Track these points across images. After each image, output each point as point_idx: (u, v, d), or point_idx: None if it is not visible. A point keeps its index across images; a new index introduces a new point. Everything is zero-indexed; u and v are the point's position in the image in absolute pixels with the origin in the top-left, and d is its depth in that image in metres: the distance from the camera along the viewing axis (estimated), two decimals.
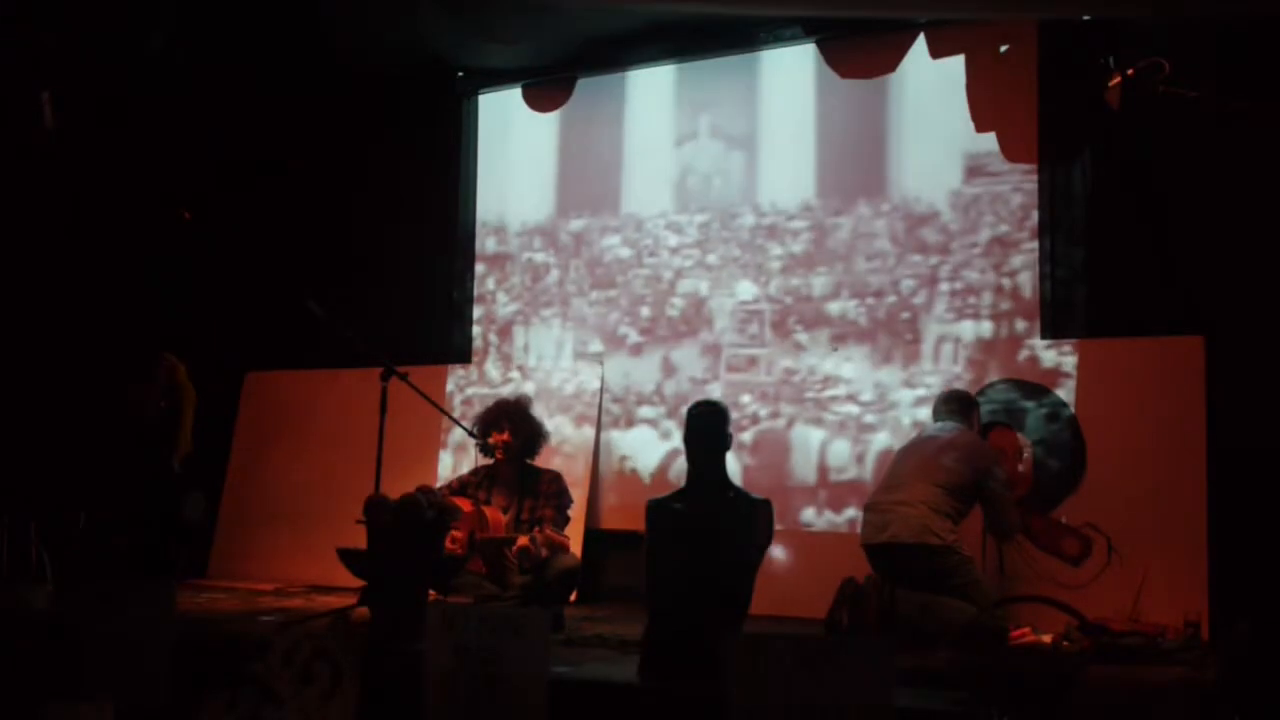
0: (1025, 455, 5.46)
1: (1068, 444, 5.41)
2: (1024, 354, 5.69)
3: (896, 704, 2.86)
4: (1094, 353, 5.55)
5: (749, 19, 6.40)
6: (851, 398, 6.05)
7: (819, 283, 6.26)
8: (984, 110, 5.91)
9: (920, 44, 6.09)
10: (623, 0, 6.22)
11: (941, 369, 5.84)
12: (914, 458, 4.89)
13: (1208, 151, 5.17)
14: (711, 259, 6.57)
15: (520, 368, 6.94)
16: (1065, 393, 5.51)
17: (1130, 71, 4.28)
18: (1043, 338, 5.69)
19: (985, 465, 4.82)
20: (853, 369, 6.08)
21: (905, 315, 6.02)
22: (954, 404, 5.15)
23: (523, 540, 4.96)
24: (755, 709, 2.88)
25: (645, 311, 6.70)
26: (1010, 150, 5.86)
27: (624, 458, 6.58)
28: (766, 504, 4.02)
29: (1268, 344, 5.07)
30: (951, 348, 5.87)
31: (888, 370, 6.00)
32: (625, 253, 6.82)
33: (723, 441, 4.07)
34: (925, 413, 5.73)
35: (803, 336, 6.26)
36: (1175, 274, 5.36)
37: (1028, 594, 4.83)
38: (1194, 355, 5.24)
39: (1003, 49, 5.90)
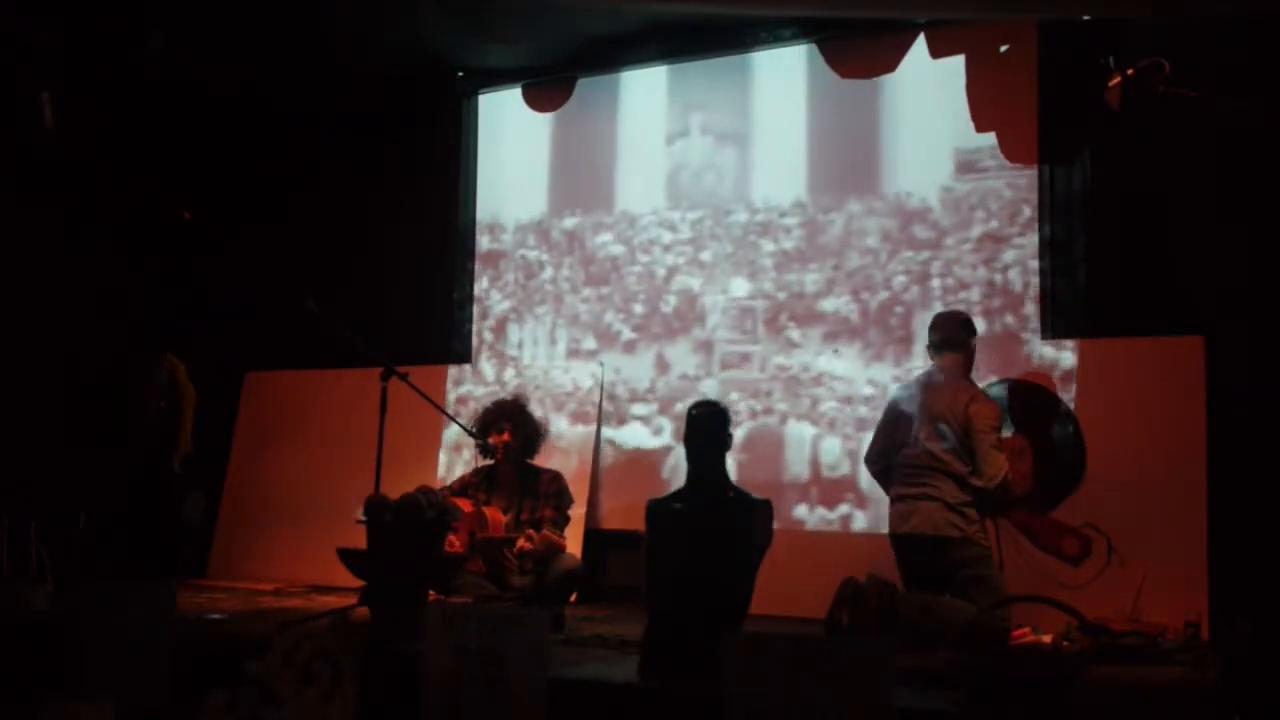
0: (1025, 455, 5.45)
1: (1068, 444, 5.40)
2: (1019, 352, 5.69)
3: (896, 704, 2.86)
4: (1094, 353, 5.56)
5: (749, 19, 6.40)
6: (844, 394, 6.06)
7: (811, 279, 6.27)
8: (984, 110, 5.91)
9: (920, 44, 6.09)
10: (623, 0, 6.22)
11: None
12: (921, 436, 4.83)
13: (1208, 151, 5.17)
14: (704, 256, 6.58)
15: (515, 364, 6.95)
16: (1065, 393, 5.51)
17: (1130, 71, 4.28)
18: (1043, 337, 5.69)
19: (965, 417, 4.75)
20: (845, 366, 6.09)
21: (898, 311, 6.02)
22: (948, 331, 4.99)
23: (522, 542, 4.97)
24: (755, 709, 2.88)
25: (638, 308, 6.71)
26: (1010, 150, 5.86)
27: (616, 454, 6.58)
28: (766, 504, 4.02)
29: (1268, 344, 5.07)
30: None
31: (880, 367, 6.01)
32: (618, 250, 6.83)
33: (723, 442, 4.07)
34: None
35: (795, 333, 6.26)
36: (1175, 274, 5.35)
37: (1028, 594, 4.82)
38: (1194, 355, 5.24)
39: (1003, 49, 5.90)
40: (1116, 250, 5.57)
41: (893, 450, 4.95)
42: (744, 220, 6.49)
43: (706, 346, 6.49)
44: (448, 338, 7.24)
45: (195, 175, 7.12)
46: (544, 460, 5.52)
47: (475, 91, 7.34)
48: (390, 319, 6.95)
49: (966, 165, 5.95)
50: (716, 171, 6.62)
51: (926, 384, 4.99)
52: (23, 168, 6.44)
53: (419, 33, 6.59)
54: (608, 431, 6.61)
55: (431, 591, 4.73)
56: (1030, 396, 5.55)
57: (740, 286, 6.46)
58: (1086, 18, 5.32)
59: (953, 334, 4.98)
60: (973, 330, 5.07)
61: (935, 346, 5.02)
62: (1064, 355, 5.60)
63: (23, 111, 6.18)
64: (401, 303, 7.20)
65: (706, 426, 4.05)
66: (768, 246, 6.41)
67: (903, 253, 6.05)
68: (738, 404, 6.22)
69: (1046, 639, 4.33)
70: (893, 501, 4.92)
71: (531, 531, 5.02)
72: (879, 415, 5.84)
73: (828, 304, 6.20)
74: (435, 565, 4.71)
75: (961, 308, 5.78)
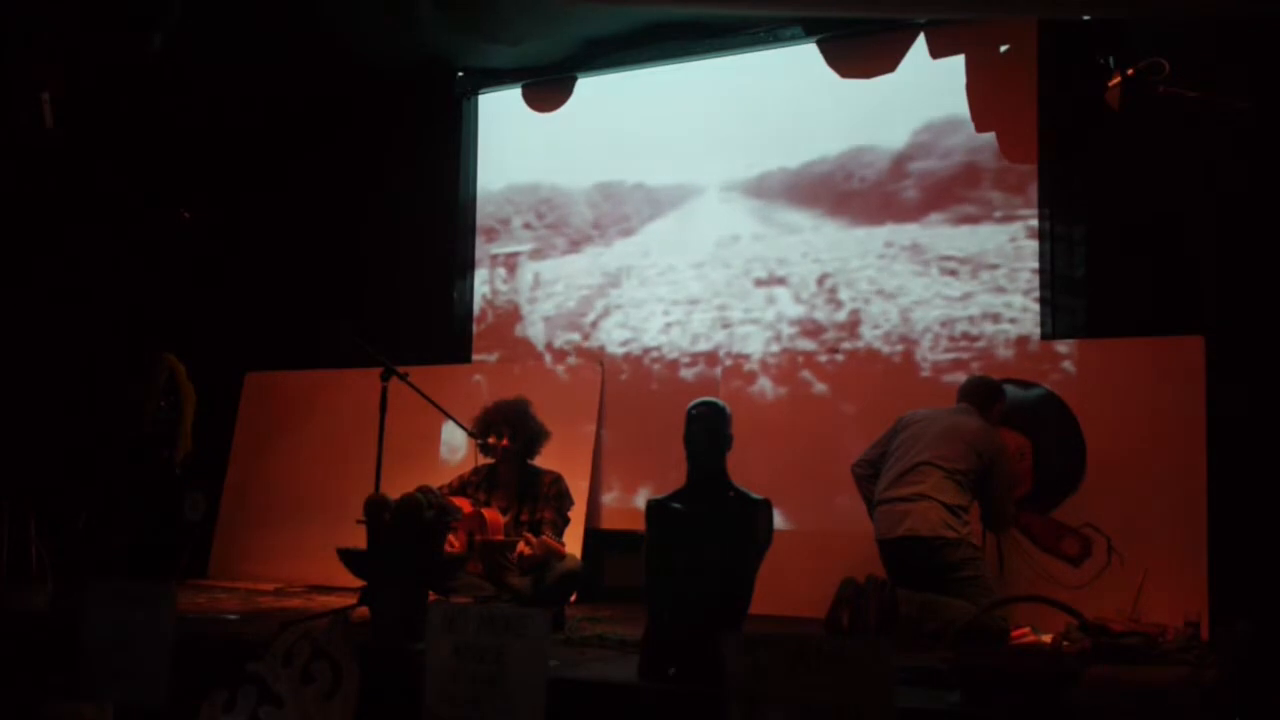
0: (1025, 455, 5.45)
1: (1068, 444, 5.40)
2: (1019, 352, 5.70)
3: (896, 704, 2.86)
4: (1094, 353, 5.56)
5: (749, 19, 6.41)
6: (847, 395, 6.05)
7: (814, 282, 6.27)
8: (984, 110, 5.92)
9: (920, 44, 6.10)
10: (623, 0, 6.23)
11: (936, 366, 5.85)
12: (923, 444, 4.86)
13: (1208, 151, 5.17)
14: (704, 257, 6.58)
15: (515, 364, 6.95)
16: (1065, 393, 5.51)
17: (1130, 71, 4.29)
18: (1043, 338, 5.70)
19: (990, 453, 4.83)
20: (849, 366, 6.08)
21: (901, 313, 6.02)
22: (973, 391, 5.15)
23: (521, 547, 4.96)
24: (755, 709, 2.88)
25: (641, 312, 6.71)
26: (1010, 150, 5.87)
27: (618, 456, 6.57)
28: (766, 504, 4.01)
29: (1268, 344, 5.08)
30: (947, 345, 5.89)
31: (883, 367, 6.01)
32: (619, 251, 6.83)
33: (723, 441, 4.06)
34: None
35: (794, 331, 6.26)
36: (1175, 274, 5.36)
37: (1028, 594, 4.82)
38: (1194, 355, 5.24)
39: (1003, 49, 5.91)
40: (1116, 250, 5.58)
41: (883, 460, 4.98)
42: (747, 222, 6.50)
43: (709, 345, 6.50)
44: (448, 338, 7.23)
45: (195, 175, 7.13)
46: (543, 460, 5.50)
47: (475, 91, 7.35)
48: (391, 319, 6.95)
49: (966, 164, 5.96)
50: (720, 175, 6.62)
51: (954, 412, 5.04)
52: (22, 167, 6.44)
53: (419, 33, 6.60)
54: (609, 433, 6.61)
55: (431, 592, 4.72)
56: (1030, 396, 5.55)
57: (741, 288, 6.46)
58: (1086, 18, 5.33)
59: (973, 395, 5.11)
60: (997, 394, 5.18)
61: (964, 399, 5.13)
62: (1064, 355, 5.60)
63: (23, 111, 6.18)
64: (401, 302, 7.21)
65: (706, 425, 4.04)
66: (771, 249, 6.41)
67: (904, 254, 6.05)
68: (740, 405, 6.20)
69: (1046, 639, 4.33)
70: (877, 504, 4.92)
71: (530, 536, 5.00)
72: (880, 415, 5.86)
73: (831, 305, 6.21)
74: (435, 565, 4.71)
75: (959, 306, 5.81)
